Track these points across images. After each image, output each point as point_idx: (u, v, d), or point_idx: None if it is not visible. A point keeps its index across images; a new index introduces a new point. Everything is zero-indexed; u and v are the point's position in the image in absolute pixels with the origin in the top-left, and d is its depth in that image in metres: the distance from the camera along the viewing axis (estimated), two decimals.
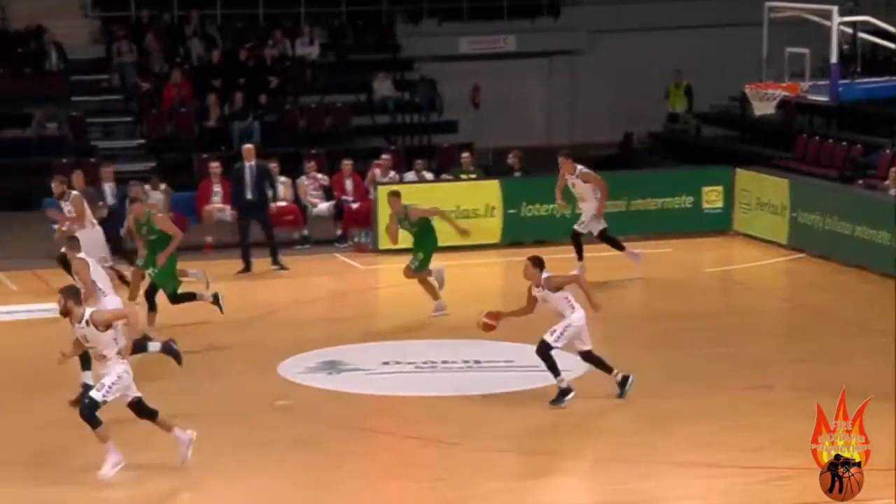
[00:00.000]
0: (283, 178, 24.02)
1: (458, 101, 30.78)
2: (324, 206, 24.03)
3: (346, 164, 24.53)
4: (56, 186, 19.51)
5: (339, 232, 23.80)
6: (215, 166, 23.59)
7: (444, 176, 25.11)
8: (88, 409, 12.26)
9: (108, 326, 12.38)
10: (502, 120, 30.83)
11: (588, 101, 33.14)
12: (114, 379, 12.33)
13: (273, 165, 23.92)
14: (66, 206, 19.40)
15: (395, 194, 18.88)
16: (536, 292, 14.58)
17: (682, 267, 21.68)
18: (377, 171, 24.18)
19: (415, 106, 30.14)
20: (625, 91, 32.00)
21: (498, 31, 32.78)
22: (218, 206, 23.29)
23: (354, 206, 23.81)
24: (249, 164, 21.87)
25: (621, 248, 20.76)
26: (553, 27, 33.00)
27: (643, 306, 19.41)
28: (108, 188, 23.36)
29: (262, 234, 21.74)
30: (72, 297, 12.56)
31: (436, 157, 27.33)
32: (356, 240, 23.55)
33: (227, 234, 22.69)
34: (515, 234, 23.15)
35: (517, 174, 23.86)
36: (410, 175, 24.75)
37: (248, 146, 22.39)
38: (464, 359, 16.46)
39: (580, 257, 20.46)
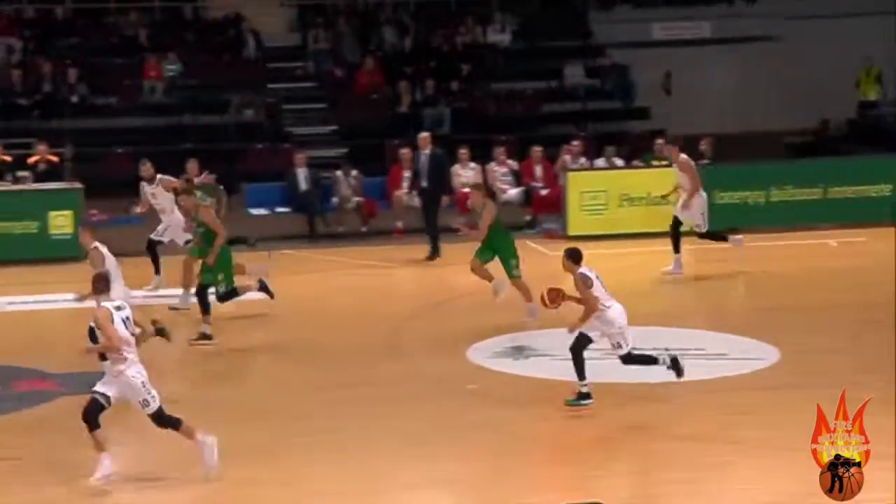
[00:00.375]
0: (472, 164, 24.18)
1: (651, 88, 30.51)
2: (513, 192, 24.08)
3: (536, 150, 24.55)
4: (146, 170, 19.77)
5: (527, 218, 23.82)
6: (405, 152, 23.81)
7: (635, 162, 24.94)
8: (159, 419, 11.92)
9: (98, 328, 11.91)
10: (695, 106, 30.45)
11: (782, 88, 32.50)
12: (141, 387, 11.82)
13: (463, 152, 24.08)
14: (151, 189, 19.61)
15: (477, 187, 18.16)
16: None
17: (879, 256, 21.13)
18: (567, 158, 24.17)
19: (606, 93, 29.96)
20: (819, 78, 31.32)
21: (691, 17, 32.37)
22: (407, 191, 23.49)
23: (544, 192, 23.81)
24: (424, 153, 22.03)
25: (677, 250, 20.08)
26: (748, 13, 32.46)
27: (839, 296, 18.97)
28: (301, 173, 23.78)
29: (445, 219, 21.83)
30: (94, 286, 12.21)
31: (626, 144, 27.12)
32: (545, 226, 23.52)
33: (416, 220, 22.87)
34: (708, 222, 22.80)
35: (705, 161, 23.59)
36: (601, 161, 24.66)
37: (424, 135, 22.54)
38: (653, 346, 16.27)
39: (724, 239, 19.94)
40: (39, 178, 22.96)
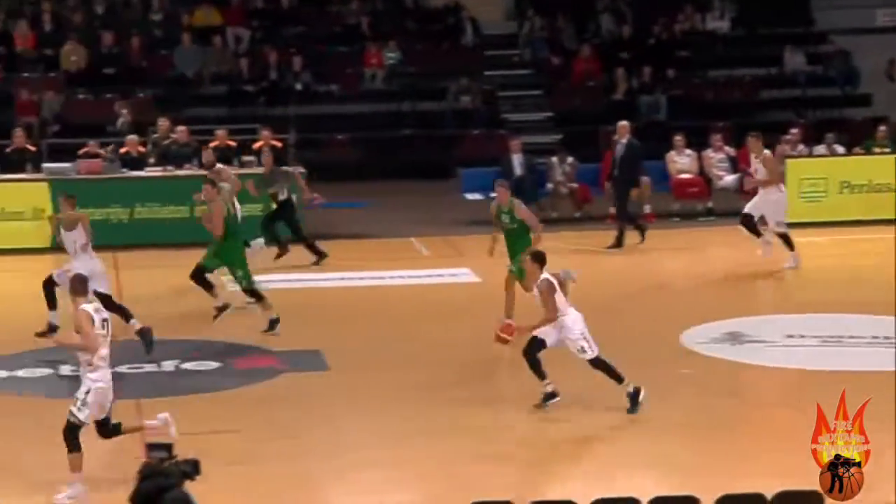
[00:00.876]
0: (688, 151, 24.07)
1: (874, 74, 29.86)
2: (729, 179, 23.87)
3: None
4: (207, 155, 20.46)
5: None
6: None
7: (855, 150, 24.50)
8: (68, 431, 11.35)
9: (78, 332, 11.57)
10: None
11: None
12: (85, 390, 11.44)
13: (678, 139, 24.00)
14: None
15: (504, 186, 16.96)
16: (535, 290, 13.43)
17: None
18: (786, 147, 23.83)
19: (826, 79, 29.45)
20: None
21: None
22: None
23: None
24: (621, 142, 21.95)
25: (759, 234, 19.66)
26: None
27: None
28: (516, 159, 23.98)
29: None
30: (71, 287, 11.88)
31: (847, 131, 26.60)
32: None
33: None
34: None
35: None
36: (821, 148, 24.30)
37: (623, 123, 22.37)
38: (872, 334, 16.07)
39: (791, 247, 19.43)
40: None
